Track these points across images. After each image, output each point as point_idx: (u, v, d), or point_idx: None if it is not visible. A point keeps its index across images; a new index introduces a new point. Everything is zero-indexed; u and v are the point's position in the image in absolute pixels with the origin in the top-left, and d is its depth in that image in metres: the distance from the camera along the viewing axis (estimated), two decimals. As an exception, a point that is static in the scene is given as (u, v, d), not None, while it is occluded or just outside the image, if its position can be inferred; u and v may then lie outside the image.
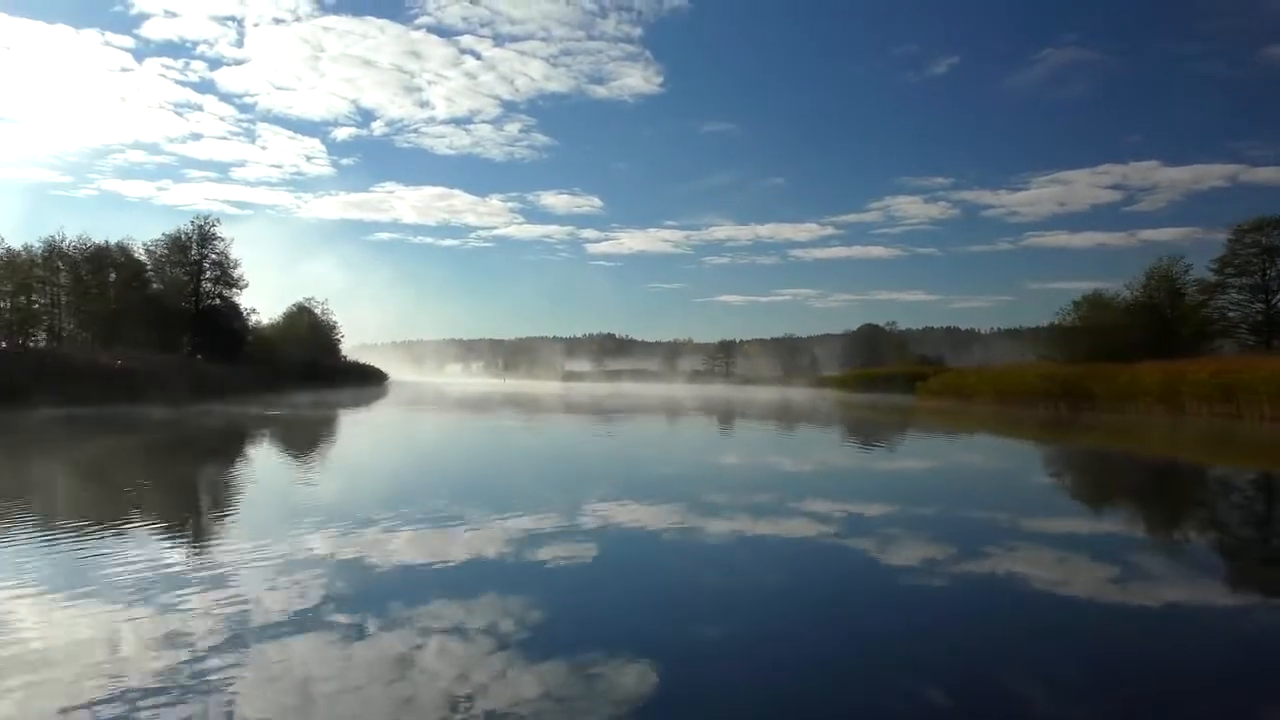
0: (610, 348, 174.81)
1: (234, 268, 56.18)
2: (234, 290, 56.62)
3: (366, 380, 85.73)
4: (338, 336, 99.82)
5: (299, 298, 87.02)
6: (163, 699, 4.16)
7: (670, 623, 5.75)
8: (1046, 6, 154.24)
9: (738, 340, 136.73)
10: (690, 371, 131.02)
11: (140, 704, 4.10)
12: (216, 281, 55.70)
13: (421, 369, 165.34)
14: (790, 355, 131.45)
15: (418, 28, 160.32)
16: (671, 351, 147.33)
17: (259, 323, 73.02)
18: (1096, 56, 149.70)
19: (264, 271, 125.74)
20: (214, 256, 55.49)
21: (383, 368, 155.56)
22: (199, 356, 56.90)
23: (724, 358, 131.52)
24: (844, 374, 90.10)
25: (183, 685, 4.33)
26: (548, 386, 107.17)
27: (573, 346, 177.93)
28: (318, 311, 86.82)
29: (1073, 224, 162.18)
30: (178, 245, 54.95)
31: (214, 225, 55.74)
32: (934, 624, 5.78)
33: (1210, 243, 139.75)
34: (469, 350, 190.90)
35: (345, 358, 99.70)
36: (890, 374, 75.32)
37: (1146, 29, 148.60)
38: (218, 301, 55.61)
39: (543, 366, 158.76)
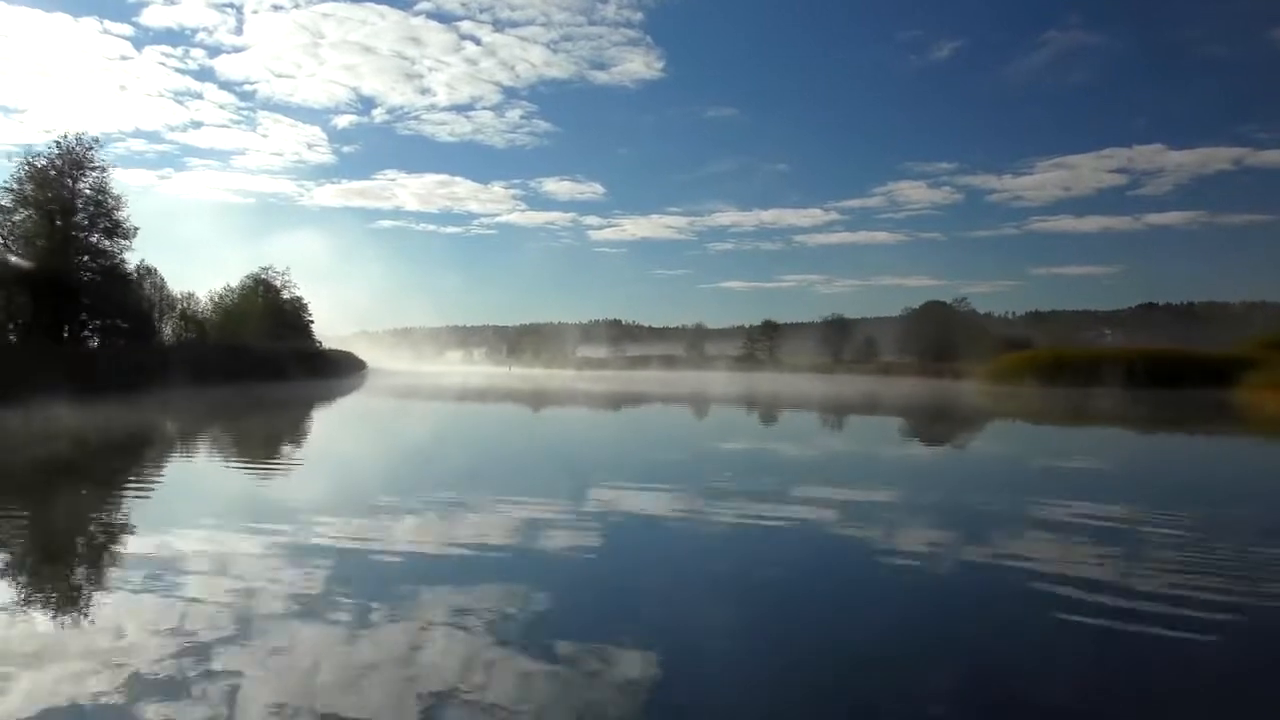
0: (617, 333, 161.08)
1: (117, 208, 38.94)
2: (118, 243, 39.35)
3: (335, 371, 68.48)
4: (308, 318, 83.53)
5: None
6: None
7: None
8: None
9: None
10: (729, 358, 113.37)
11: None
12: (90, 228, 38.34)
13: (419, 356, 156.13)
14: (838, 339, 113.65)
15: (417, 14, 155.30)
16: (696, 336, 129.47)
17: (191, 297, 56.21)
18: (1100, 40, 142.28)
19: (265, 260, 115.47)
20: (89, 192, 38.19)
21: (381, 355, 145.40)
22: (87, 339, 40.07)
23: (766, 342, 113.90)
24: (995, 362, 62.27)
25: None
26: (561, 374, 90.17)
27: (582, 331, 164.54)
28: (277, 284, 69.76)
29: (1077, 208, 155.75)
30: (39, 178, 37.62)
31: (91, 148, 38.53)
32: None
33: (1217, 227, 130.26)
34: (471, 336, 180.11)
35: (319, 343, 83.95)
36: (1088, 356, 52.04)
37: (1150, 11, 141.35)
38: (90, 260, 38.20)
39: (551, 352, 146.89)
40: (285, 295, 72.64)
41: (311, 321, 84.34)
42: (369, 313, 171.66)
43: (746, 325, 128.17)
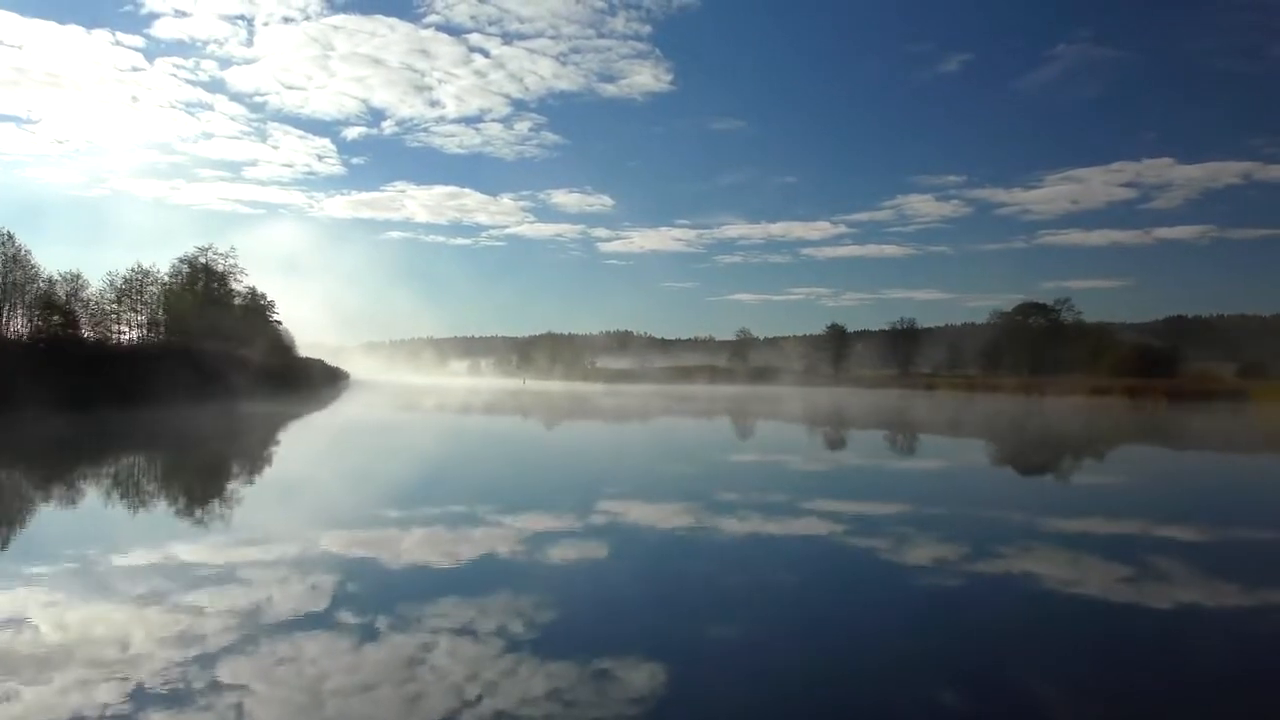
0: (644, 344, 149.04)
1: None
2: None
3: (299, 384, 51.35)
4: (273, 316, 66.83)
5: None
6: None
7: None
8: (1059, 3, 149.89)
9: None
10: (784, 370, 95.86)
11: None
12: None
13: (419, 367, 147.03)
14: (906, 349, 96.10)
15: (426, 26, 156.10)
16: (740, 347, 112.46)
17: (77, 279, 39.24)
18: (1110, 53, 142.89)
19: (275, 272, 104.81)
20: None
21: (380, 366, 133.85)
22: None
23: (831, 350, 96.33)
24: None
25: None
26: (590, 389, 72.96)
27: (603, 341, 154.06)
28: (220, 269, 52.82)
29: (1087, 222, 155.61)
30: None
31: None
32: None
33: (1226, 241, 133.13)
34: (478, 347, 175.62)
35: (291, 346, 67.97)
36: None
37: (1160, 25, 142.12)
38: None
39: (567, 363, 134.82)
40: (237, 287, 55.76)
41: (279, 322, 67.74)
42: (375, 324, 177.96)
43: (770, 335, 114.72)
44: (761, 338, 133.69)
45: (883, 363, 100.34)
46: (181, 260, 51.30)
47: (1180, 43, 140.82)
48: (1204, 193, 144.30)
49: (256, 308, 63.66)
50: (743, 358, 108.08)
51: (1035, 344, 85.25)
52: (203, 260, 51.74)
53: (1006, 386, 60.06)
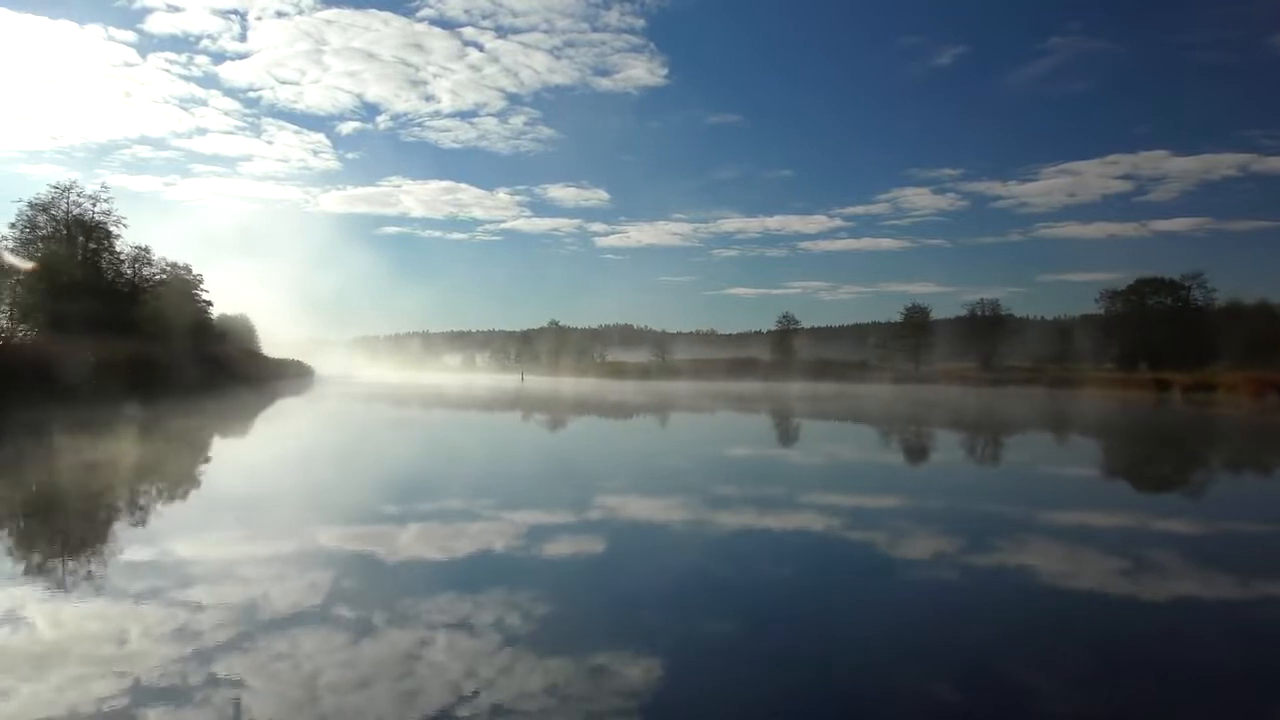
0: (659, 338, 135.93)
1: None
2: None
3: (202, 386, 34.80)
4: (201, 294, 51.96)
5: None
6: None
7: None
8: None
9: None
10: (844, 364, 79.87)
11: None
12: None
13: (409, 361, 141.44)
14: (987, 339, 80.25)
15: (420, 20, 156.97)
16: (782, 339, 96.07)
17: None
18: (1103, 46, 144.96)
19: (268, 266, 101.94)
20: None
21: (364, 362, 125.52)
22: None
23: (911, 339, 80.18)
24: None
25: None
26: (620, 389, 56.86)
27: (606, 335, 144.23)
28: (90, 217, 36.33)
29: (1083, 215, 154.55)
30: None
31: None
32: None
33: (1223, 233, 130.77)
34: (474, 341, 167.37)
35: (230, 338, 53.78)
36: None
37: (1153, 18, 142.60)
38: None
39: (573, 357, 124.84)
40: (125, 248, 39.44)
41: (208, 303, 51.84)
42: (371, 318, 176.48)
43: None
44: (765, 331, 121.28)
45: (954, 355, 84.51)
46: (34, 207, 34.71)
47: (1173, 35, 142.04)
48: (1200, 185, 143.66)
49: (177, 280, 47.64)
50: (787, 350, 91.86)
51: (1160, 329, 69.40)
52: (65, 207, 35.11)
53: (1225, 384, 42.97)
